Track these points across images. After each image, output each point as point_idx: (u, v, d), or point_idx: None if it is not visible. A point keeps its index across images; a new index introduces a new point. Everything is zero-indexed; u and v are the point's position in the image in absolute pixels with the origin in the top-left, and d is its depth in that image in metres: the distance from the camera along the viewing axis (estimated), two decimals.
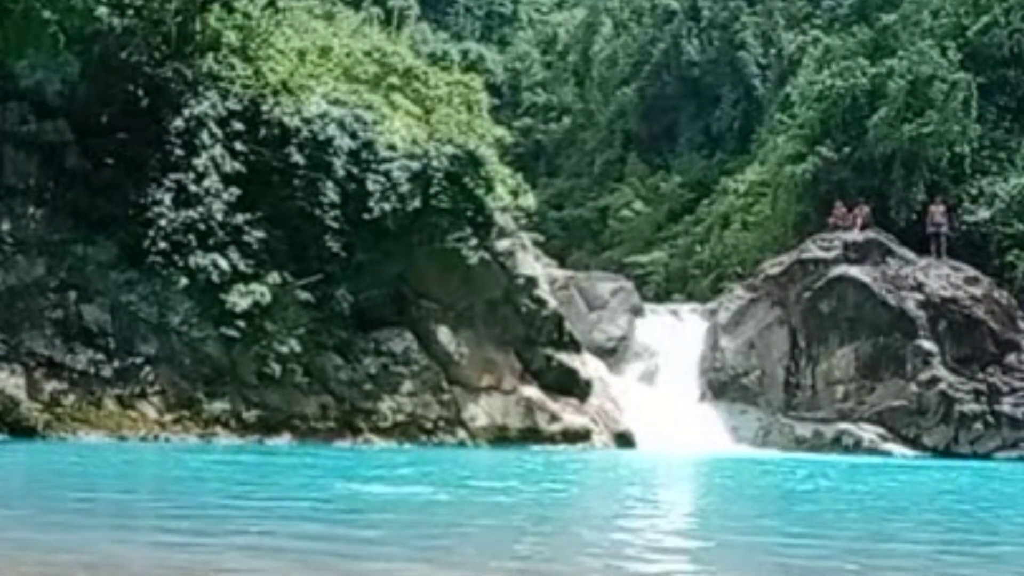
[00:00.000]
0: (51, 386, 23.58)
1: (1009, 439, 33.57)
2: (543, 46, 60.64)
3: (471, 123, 30.26)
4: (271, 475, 18.10)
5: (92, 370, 24.10)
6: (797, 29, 51.19)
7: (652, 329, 37.12)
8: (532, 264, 31.84)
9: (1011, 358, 34.50)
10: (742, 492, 19.37)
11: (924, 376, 33.98)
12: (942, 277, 35.18)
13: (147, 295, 24.91)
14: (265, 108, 26.65)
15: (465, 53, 52.48)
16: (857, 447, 33.40)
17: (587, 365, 32.43)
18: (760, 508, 16.49)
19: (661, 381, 35.81)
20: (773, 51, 51.34)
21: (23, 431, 22.46)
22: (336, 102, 27.53)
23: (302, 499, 14.15)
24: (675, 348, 36.46)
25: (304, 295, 26.10)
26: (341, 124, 27.05)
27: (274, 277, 25.57)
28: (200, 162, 25.51)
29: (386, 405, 27.31)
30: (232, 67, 26.80)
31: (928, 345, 34.16)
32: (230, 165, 25.79)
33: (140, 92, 25.53)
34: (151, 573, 8.67)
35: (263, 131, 26.49)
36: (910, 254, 35.69)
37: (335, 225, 26.50)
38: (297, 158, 26.49)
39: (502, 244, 29.99)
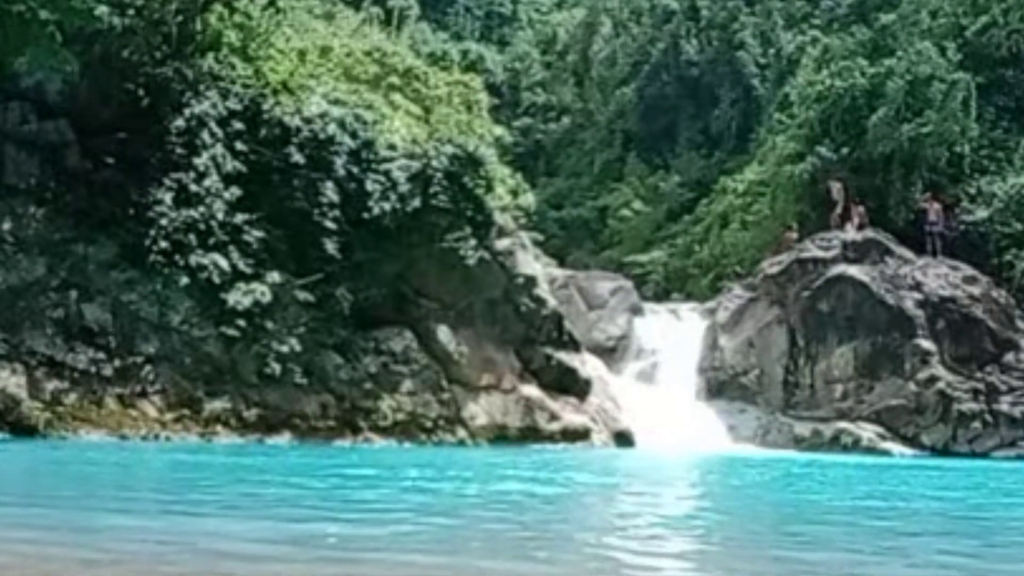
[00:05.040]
0: (52, 385, 23.61)
1: (1007, 438, 33.62)
2: (543, 46, 60.71)
3: (471, 123, 30.35)
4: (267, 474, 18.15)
5: (93, 369, 24.13)
6: (796, 29, 51.29)
7: (651, 328, 37.21)
8: (532, 263, 31.91)
9: (1009, 357, 34.56)
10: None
11: (922, 375, 34.04)
12: (940, 276, 35.24)
13: (148, 294, 24.96)
14: (265, 108, 26.71)
15: (465, 53, 52.61)
16: (856, 446, 33.45)
17: (586, 364, 32.50)
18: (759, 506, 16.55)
19: (660, 380, 35.88)
20: (772, 51, 51.42)
21: (24, 430, 22.50)
22: (336, 102, 27.58)
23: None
24: (674, 347, 36.54)
25: (304, 294, 26.16)
26: (341, 124, 27.10)
27: (274, 277, 25.63)
28: (201, 162, 25.57)
29: (386, 404, 27.36)
30: (232, 67, 26.86)
31: (927, 344, 34.22)
32: (230, 165, 25.84)
33: (141, 92, 25.59)
34: (152, 571, 8.72)
35: (263, 131, 26.54)
36: (909, 253, 35.76)
37: (335, 225, 26.54)
38: (297, 158, 26.54)
39: (502, 243, 30.06)
